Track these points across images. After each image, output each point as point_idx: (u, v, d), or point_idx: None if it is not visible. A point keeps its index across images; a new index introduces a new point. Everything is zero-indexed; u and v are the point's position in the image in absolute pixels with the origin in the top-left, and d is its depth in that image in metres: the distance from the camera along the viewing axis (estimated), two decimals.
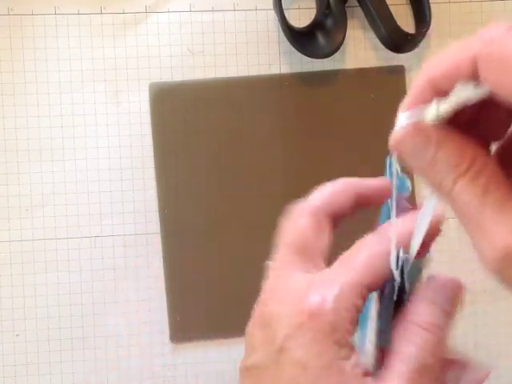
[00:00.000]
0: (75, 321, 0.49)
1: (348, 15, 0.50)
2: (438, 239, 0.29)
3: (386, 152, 0.27)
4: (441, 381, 0.28)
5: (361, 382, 0.26)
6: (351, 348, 0.27)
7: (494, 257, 0.22)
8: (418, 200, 0.44)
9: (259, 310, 0.30)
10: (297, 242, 0.30)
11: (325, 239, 0.31)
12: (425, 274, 0.30)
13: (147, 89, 0.50)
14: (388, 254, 0.28)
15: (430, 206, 0.27)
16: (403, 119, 0.24)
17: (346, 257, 0.29)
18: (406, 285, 0.28)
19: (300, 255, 0.30)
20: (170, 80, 0.51)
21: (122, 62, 0.50)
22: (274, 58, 0.51)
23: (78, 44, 0.50)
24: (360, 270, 0.28)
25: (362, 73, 0.52)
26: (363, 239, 0.29)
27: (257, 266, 0.31)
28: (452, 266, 0.51)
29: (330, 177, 0.32)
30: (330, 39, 0.50)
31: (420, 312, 0.28)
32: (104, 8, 0.50)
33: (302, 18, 0.51)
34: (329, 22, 0.50)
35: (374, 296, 0.28)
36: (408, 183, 0.30)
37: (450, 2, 0.53)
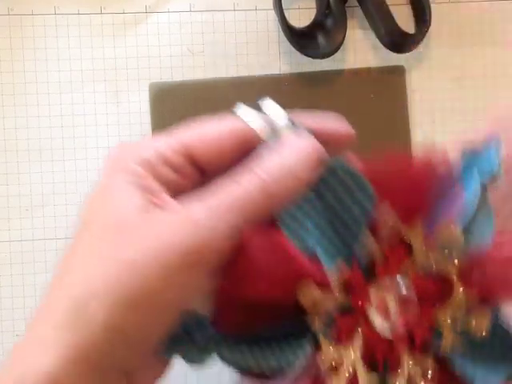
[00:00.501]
0: None
1: (348, 15, 0.50)
2: None
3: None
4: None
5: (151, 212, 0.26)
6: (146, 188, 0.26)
7: None
8: None
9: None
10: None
11: None
12: None
13: (147, 89, 0.50)
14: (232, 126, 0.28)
15: None
16: None
17: None
18: None
19: None
20: (170, 80, 0.51)
21: (121, 62, 0.50)
22: (274, 58, 0.51)
23: (78, 44, 0.50)
24: (182, 132, 0.28)
25: (362, 73, 0.52)
26: None
27: None
28: None
29: None
30: (330, 39, 0.50)
31: (265, 160, 0.27)
32: (104, 8, 0.50)
33: (302, 18, 0.51)
34: (329, 22, 0.50)
35: None
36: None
37: (449, 2, 0.52)
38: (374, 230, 0.29)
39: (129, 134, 0.50)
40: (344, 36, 0.50)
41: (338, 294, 0.28)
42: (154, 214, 0.26)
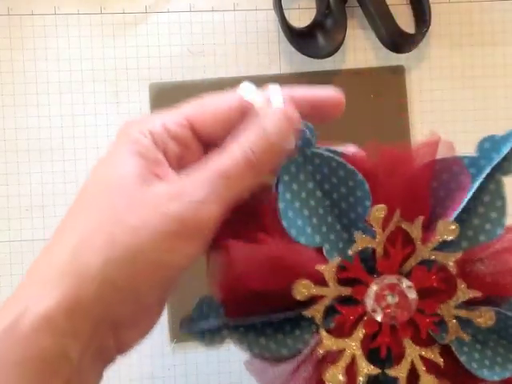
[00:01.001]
0: None
1: (348, 15, 0.50)
2: None
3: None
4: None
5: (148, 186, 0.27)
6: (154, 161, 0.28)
7: None
8: None
9: None
10: None
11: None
12: None
13: (147, 89, 0.50)
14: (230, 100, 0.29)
15: None
16: None
17: None
18: None
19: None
20: (169, 80, 0.51)
21: (121, 62, 0.50)
22: (273, 58, 0.51)
23: (78, 44, 0.50)
24: (185, 107, 0.30)
25: (362, 73, 0.52)
26: None
27: None
28: None
29: None
30: (330, 39, 0.50)
31: (247, 134, 0.28)
32: (104, 8, 0.50)
33: (301, 18, 0.51)
34: (329, 22, 0.50)
35: None
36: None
37: (449, 2, 0.53)
38: (375, 226, 0.29)
39: None
40: (344, 36, 0.50)
41: (337, 287, 0.29)
42: (152, 184, 0.27)
